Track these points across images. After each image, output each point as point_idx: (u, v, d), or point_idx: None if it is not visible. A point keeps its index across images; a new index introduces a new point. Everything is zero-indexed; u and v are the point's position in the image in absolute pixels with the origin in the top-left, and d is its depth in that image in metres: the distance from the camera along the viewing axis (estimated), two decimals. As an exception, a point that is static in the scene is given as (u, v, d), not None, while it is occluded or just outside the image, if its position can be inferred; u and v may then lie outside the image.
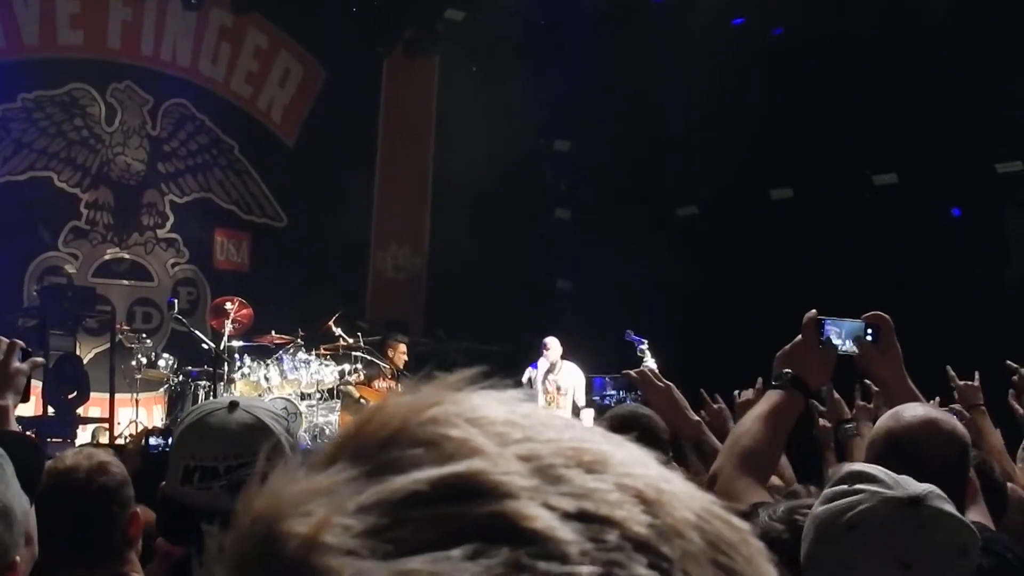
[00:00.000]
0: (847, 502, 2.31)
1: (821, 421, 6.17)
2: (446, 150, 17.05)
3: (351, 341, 13.26)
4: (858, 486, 2.32)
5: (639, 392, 4.10)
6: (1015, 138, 14.48)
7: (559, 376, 13.62)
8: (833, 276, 14.55)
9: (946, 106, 14.28)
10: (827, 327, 3.35)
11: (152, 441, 9.20)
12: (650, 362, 12.71)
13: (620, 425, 3.78)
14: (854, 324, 3.40)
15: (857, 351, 3.41)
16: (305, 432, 12.64)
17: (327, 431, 13.14)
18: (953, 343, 12.70)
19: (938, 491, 2.34)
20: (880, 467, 2.42)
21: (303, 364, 13.21)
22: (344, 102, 16.49)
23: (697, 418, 4.36)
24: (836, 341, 3.36)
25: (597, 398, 4.37)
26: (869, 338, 3.40)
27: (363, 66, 16.80)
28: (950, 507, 2.31)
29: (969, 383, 5.82)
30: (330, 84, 16.81)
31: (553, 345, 13.77)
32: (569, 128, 17.52)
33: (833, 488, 2.35)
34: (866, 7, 14.43)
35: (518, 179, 16.76)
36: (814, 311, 3.36)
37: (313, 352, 13.36)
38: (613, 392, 4.12)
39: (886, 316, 3.47)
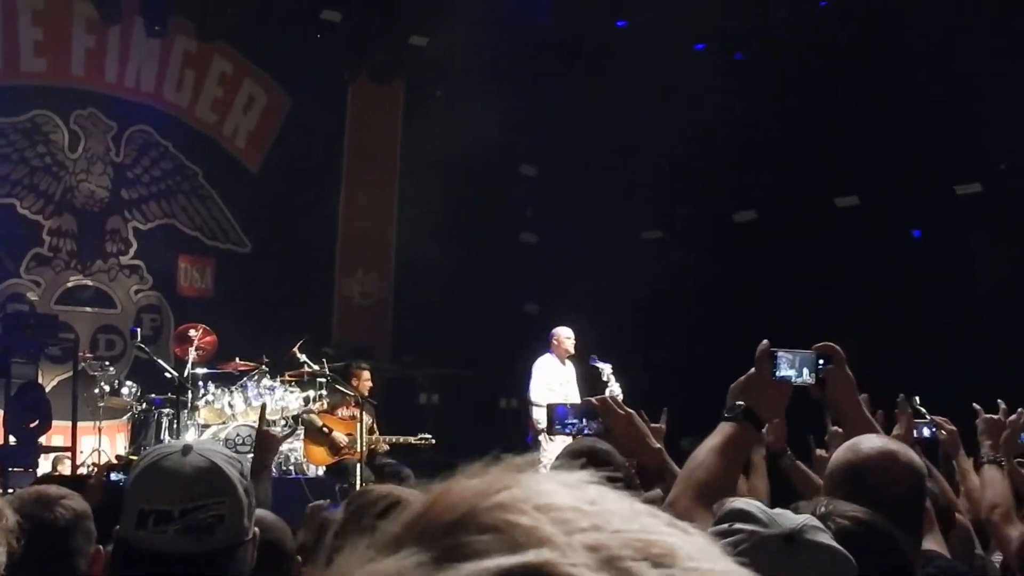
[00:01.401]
0: (726, 543, 2.29)
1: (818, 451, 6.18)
2: (412, 175, 17.06)
3: (316, 368, 13.21)
4: (737, 525, 2.32)
5: (601, 420, 4.10)
6: (974, 160, 14.62)
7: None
8: (796, 297, 14.64)
9: (906, 129, 14.41)
10: (780, 358, 3.37)
11: (114, 476, 9.13)
12: (615, 386, 12.74)
13: (578, 461, 3.80)
14: (807, 355, 3.42)
15: (812, 382, 3.44)
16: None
17: (292, 458, 13.10)
18: (915, 363, 12.81)
19: (814, 522, 2.35)
20: (757, 503, 2.43)
21: (268, 391, 13.15)
22: (309, 128, 16.49)
23: (659, 446, 4.37)
24: (790, 371, 3.38)
25: (559, 426, 4.38)
26: (821, 368, 3.43)
27: (328, 92, 16.81)
28: (826, 538, 2.32)
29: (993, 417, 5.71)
30: (295, 110, 16.80)
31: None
32: (535, 152, 17.56)
33: (714, 528, 2.35)
34: (829, 33, 14.56)
35: (484, 204, 16.80)
36: (766, 342, 3.38)
37: (278, 379, 13.31)
38: (575, 420, 4.15)
39: (836, 347, 3.50)
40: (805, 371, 3.40)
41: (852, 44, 14.48)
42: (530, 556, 0.67)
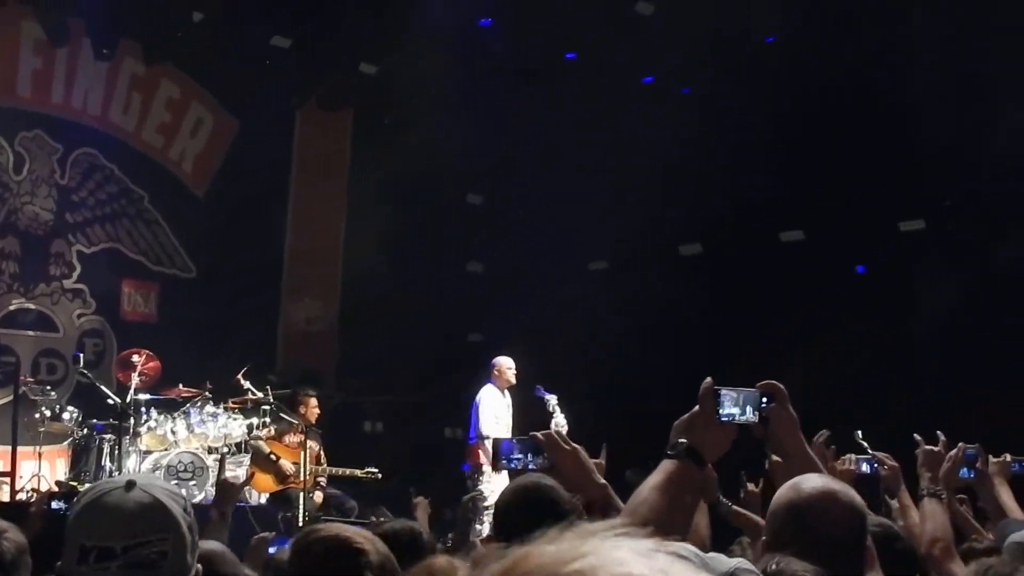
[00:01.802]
0: None
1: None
2: (359, 203, 17.04)
3: (260, 395, 13.14)
4: None
5: (546, 455, 4.10)
6: (918, 197, 14.79)
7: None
8: (740, 330, 14.75)
9: (852, 164, 14.56)
10: (723, 396, 3.37)
11: (55, 504, 9.04)
12: (560, 417, 12.76)
13: (524, 497, 3.81)
14: (750, 393, 3.43)
15: (755, 420, 3.45)
16: (212, 486, 12.49)
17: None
18: (858, 397, 12.93)
19: (747, 565, 2.38)
20: (692, 548, 2.45)
21: (211, 418, 13.08)
22: (257, 153, 16.42)
23: (603, 481, 4.37)
24: (734, 409, 3.38)
25: (504, 461, 4.34)
26: (764, 406, 3.44)
27: (276, 117, 16.76)
28: None
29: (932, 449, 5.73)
30: (243, 135, 16.74)
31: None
32: (482, 181, 17.59)
33: None
34: (775, 68, 14.70)
35: (431, 232, 16.82)
36: (710, 380, 3.38)
37: (221, 406, 13.23)
38: (520, 456, 4.12)
39: (779, 385, 3.52)
40: (749, 409, 3.40)
41: (798, 80, 14.62)
42: None
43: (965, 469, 5.90)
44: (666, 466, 3.27)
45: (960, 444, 5.71)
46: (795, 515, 3.17)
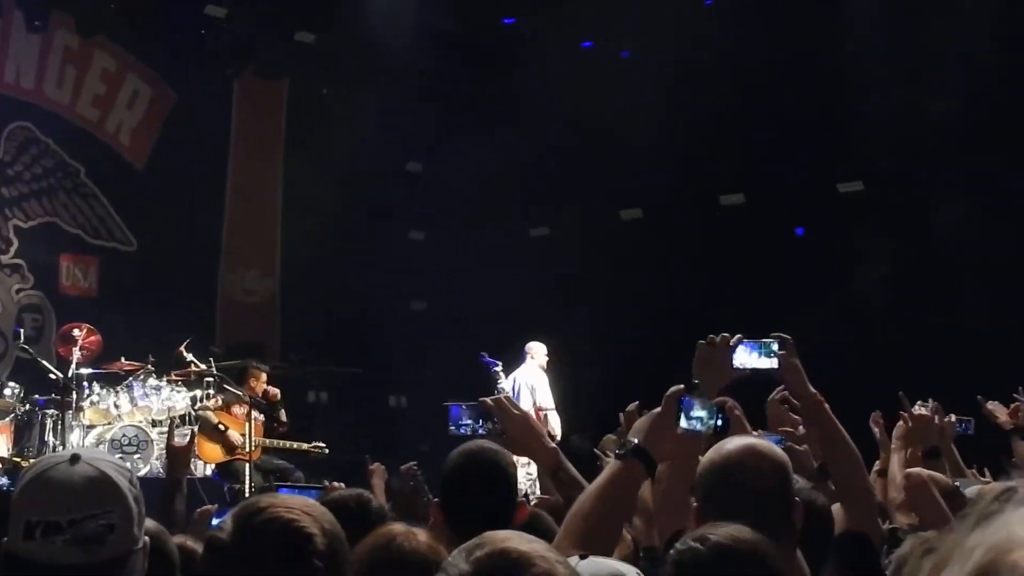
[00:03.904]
0: None
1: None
2: (298, 172, 16.96)
3: (203, 367, 13.09)
4: None
5: (495, 420, 4.13)
6: (857, 159, 14.90)
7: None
8: (680, 294, 14.84)
9: (790, 128, 14.65)
10: (687, 404, 3.43)
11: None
12: (504, 383, 12.82)
13: (468, 462, 3.83)
14: (704, 409, 3.49)
15: (711, 430, 3.52)
16: (157, 459, 12.45)
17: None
18: (804, 360, 13.04)
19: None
20: (633, 567, 2.61)
21: (154, 391, 13.02)
22: (194, 124, 16.26)
23: (554, 446, 4.40)
24: (700, 414, 3.45)
25: (453, 427, 4.35)
26: (719, 423, 3.52)
27: (213, 88, 16.61)
28: None
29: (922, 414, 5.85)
30: (180, 106, 16.58)
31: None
32: (421, 150, 17.56)
33: None
34: (713, 33, 14.74)
35: (371, 201, 16.77)
36: (681, 387, 3.45)
37: (164, 378, 13.16)
38: (469, 422, 4.13)
39: (733, 406, 3.67)
40: (712, 417, 3.47)
41: (737, 43, 14.67)
42: None
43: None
44: (612, 467, 3.35)
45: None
46: (723, 476, 3.25)
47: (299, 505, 2.47)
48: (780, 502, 3.21)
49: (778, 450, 3.42)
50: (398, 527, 3.12)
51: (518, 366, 13.92)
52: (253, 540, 2.37)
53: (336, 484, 6.39)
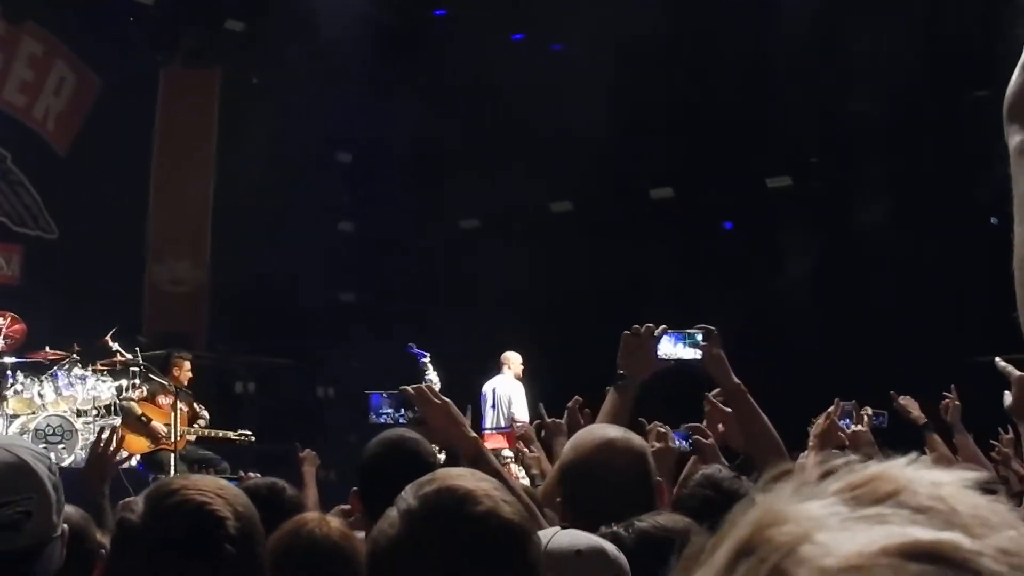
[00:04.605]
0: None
1: None
2: (227, 162, 16.85)
3: (129, 357, 12.99)
4: None
5: (416, 409, 4.16)
6: (784, 154, 15.05)
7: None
8: (609, 288, 14.91)
9: (719, 124, 14.77)
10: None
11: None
12: (432, 375, 12.82)
13: (388, 451, 3.86)
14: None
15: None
16: (81, 449, 12.35)
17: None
18: (729, 352, 13.16)
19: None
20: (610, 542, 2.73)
21: (79, 380, 12.89)
22: (120, 112, 16.09)
23: (475, 435, 4.44)
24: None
25: (373, 416, 4.36)
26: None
27: (140, 75, 16.46)
28: None
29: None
30: (106, 93, 16.43)
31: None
32: (351, 140, 17.52)
33: None
34: (644, 26, 14.81)
35: (301, 191, 16.70)
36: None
37: (89, 368, 13.04)
38: (389, 410, 4.14)
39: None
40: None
41: (667, 38, 14.75)
42: (945, 536, 0.72)
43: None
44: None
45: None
46: (584, 473, 3.32)
47: (212, 487, 2.42)
48: (640, 489, 3.27)
49: (636, 440, 3.48)
50: (311, 515, 3.14)
51: (494, 376, 14.03)
52: (163, 522, 2.33)
53: (252, 474, 6.32)
